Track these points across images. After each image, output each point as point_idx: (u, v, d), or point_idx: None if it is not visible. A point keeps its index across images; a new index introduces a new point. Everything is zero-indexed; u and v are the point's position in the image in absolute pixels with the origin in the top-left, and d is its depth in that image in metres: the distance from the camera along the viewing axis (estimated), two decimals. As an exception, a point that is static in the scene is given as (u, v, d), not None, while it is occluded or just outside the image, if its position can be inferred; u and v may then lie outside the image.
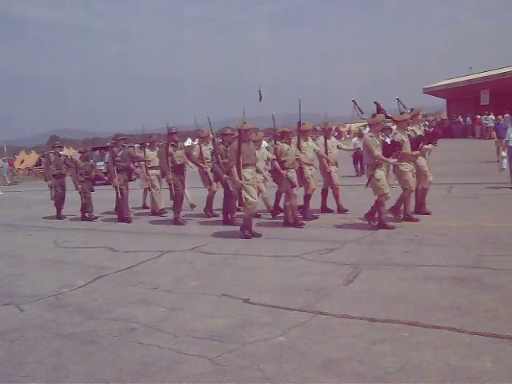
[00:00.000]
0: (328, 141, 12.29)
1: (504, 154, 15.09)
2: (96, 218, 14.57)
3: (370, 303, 5.83)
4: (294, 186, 10.86)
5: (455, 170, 18.24)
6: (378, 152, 9.82)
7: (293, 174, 10.95)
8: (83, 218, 14.56)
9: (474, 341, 4.60)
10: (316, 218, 11.66)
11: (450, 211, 11.10)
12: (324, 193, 12.46)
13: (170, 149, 12.27)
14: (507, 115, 22.57)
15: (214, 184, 12.77)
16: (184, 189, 12.78)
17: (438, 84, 52.85)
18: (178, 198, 12.38)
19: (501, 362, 4.15)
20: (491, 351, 4.36)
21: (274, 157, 10.92)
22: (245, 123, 10.13)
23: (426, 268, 7.10)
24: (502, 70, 44.39)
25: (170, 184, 12.26)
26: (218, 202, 12.81)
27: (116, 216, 14.05)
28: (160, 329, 5.51)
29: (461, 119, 46.74)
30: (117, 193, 13.40)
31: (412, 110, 10.98)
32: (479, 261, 7.26)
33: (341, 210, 12.20)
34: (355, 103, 11.83)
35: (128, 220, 13.49)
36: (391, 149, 10.10)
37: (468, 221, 10.05)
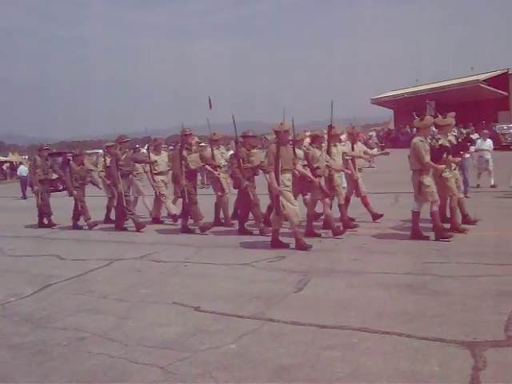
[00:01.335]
0: (355, 146, 11.55)
1: None
2: (96, 224, 13.58)
3: (320, 310, 5.88)
4: (327, 195, 10.13)
5: (402, 179, 18.56)
6: (428, 158, 9.19)
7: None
8: (75, 227, 13.56)
9: (422, 345, 4.70)
10: (356, 226, 10.92)
11: (397, 219, 11.30)
12: (346, 201, 11.41)
13: (184, 152, 11.46)
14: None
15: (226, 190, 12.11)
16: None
17: (385, 95, 53.92)
18: (192, 206, 11.46)
19: (447, 366, 4.26)
20: (438, 355, 4.47)
21: (305, 163, 10.16)
22: (282, 124, 9.30)
23: (375, 275, 7.23)
24: (446, 83, 45.68)
25: (183, 191, 11.42)
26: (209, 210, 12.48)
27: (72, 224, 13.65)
28: (110, 338, 5.45)
29: (408, 129, 47.71)
30: (121, 200, 12.46)
31: (444, 116, 10.16)
32: (426, 268, 7.43)
33: (376, 217, 11.42)
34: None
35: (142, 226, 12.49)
36: (440, 154, 9.53)
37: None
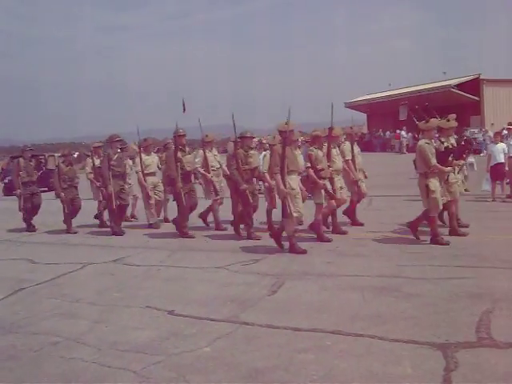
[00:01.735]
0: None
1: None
2: (76, 232, 12.99)
3: (293, 313, 5.90)
4: (333, 197, 9.93)
5: (375, 183, 18.72)
6: (435, 160, 9.05)
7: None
8: (69, 231, 12.97)
9: (395, 347, 4.75)
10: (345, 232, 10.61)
11: (371, 223, 11.37)
12: (352, 204, 11.36)
13: (179, 154, 11.12)
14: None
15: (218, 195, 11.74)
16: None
17: (359, 99, 54.30)
18: (184, 209, 11.15)
19: (420, 367, 4.30)
20: (411, 357, 4.51)
21: (309, 164, 9.83)
22: (286, 123, 9.02)
23: (348, 278, 7.27)
24: (419, 87, 46.21)
25: (179, 193, 11.00)
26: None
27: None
28: (83, 342, 5.40)
29: (381, 133, 48.16)
30: (111, 201, 11.93)
31: (448, 119, 9.92)
32: (399, 270, 7.50)
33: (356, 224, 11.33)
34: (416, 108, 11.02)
35: (121, 233, 12.16)
36: (446, 156, 9.38)
37: (387, 232, 10.35)
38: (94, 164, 13.51)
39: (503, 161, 14.64)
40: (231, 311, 6.08)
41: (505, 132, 16.45)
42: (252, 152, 10.89)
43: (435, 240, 9.11)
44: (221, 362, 4.68)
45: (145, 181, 12.89)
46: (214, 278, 7.73)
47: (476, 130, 37.30)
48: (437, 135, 9.90)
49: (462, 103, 41.94)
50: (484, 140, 35.14)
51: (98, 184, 13.28)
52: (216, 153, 12.31)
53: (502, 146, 14.85)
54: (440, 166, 9.10)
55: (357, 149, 11.49)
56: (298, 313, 5.89)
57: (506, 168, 14.76)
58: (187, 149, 11.55)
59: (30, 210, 13.63)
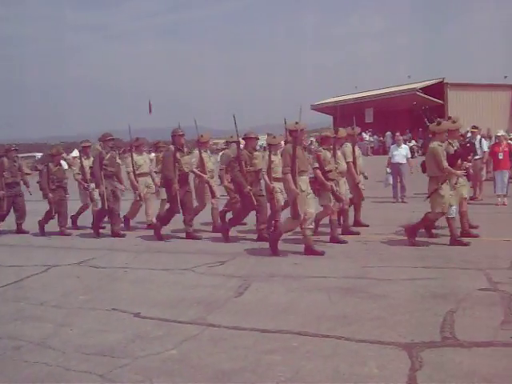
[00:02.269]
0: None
1: (388, 170, 15.88)
2: (70, 233, 12.52)
3: (260, 314, 5.90)
4: (340, 200, 9.74)
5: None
6: (446, 163, 8.92)
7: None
8: (42, 233, 12.58)
9: (361, 348, 4.78)
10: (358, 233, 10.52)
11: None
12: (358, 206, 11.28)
13: (177, 154, 10.69)
14: (389, 133, 23.68)
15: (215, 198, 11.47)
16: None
17: (325, 101, 54.56)
18: (173, 213, 10.82)
19: (386, 367, 4.34)
20: (377, 357, 4.55)
21: (317, 165, 9.54)
22: (297, 123, 8.84)
23: (315, 279, 7.30)
24: (384, 90, 46.68)
25: (176, 195, 10.57)
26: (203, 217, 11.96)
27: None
28: (48, 346, 5.31)
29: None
30: (103, 202, 11.55)
31: (439, 122, 9.58)
32: (365, 272, 7.56)
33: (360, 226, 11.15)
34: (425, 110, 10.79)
35: (120, 234, 11.74)
36: (455, 159, 9.28)
37: (354, 233, 10.43)
38: (82, 164, 13.03)
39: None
40: (197, 313, 6.05)
41: (469, 135, 16.68)
42: (257, 153, 10.62)
43: (455, 241, 9.02)
44: (187, 364, 4.65)
45: (137, 181, 12.51)
46: (180, 280, 7.69)
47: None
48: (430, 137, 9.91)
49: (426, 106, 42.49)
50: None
51: (85, 185, 12.82)
52: (210, 154, 12.09)
53: None
54: (452, 170, 9.01)
55: (358, 150, 11.39)
56: (264, 314, 5.89)
57: (471, 171, 14.97)
58: (185, 149, 11.33)
59: (7, 211, 12.97)
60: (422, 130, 38.27)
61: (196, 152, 11.72)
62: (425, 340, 4.88)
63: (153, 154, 13.61)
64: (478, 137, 16.41)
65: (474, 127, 16.67)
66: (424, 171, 9.53)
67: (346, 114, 52.44)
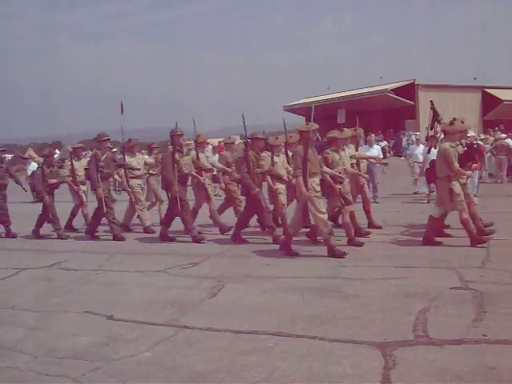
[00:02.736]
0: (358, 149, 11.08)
1: None
2: (68, 236, 11.93)
3: (234, 315, 5.90)
4: (349, 203, 9.50)
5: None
6: (457, 164, 8.82)
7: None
8: (37, 236, 12.07)
9: (335, 347, 4.80)
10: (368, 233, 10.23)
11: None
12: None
13: (176, 155, 10.41)
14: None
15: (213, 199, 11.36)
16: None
17: (297, 102, 54.71)
18: (185, 214, 10.52)
19: (359, 366, 4.37)
20: (350, 356, 4.57)
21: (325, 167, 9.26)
22: (307, 124, 8.74)
23: (288, 280, 7.33)
24: (356, 91, 47.02)
25: (176, 197, 10.31)
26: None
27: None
28: (19, 350, 5.22)
29: (318, 136, 48.69)
30: (101, 205, 11.14)
31: (451, 122, 9.38)
32: (337, 271, 7.61)
33: (374, 227, 10.86)
34: (432, 104, 10.73)
35: (121, 238, 11.21)
36: (466, 159, 9.21)
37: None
38: (72, 166, 12.66)
39: None
40: (171, 315, 6.03)
41: (439, 136, 16.84)
42: (264, 155, 10.36)
43: (475, 240, 8.89)
44: (161, 366, 4.63)
45: (129, 184, 12.09)
46: (153, 281, 7.66)
47: (411, 133, 38.19)
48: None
49: (398, 107, 42.88)
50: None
51: (76, 188, 12.55)
52: (210, 154, 11.89)
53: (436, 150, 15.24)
54: (462, 171, 8.95)
55: (359, 151, 11.35)
56: (238, 315, 5.89)
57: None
58: (184, 150, 11.14)
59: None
60: (394, 131, 38.65)
61: (192, 152, 11.51)
62: (398, 338, 4.92)
63: (146, 156, 13.28)
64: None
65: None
66: (430, 176, 9.69)
67: (318, 115, 52.82)
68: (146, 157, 13.23)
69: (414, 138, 33.85)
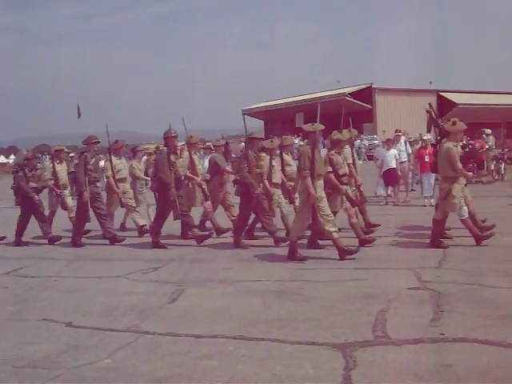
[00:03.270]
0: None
1: None
2: (59, 238, 11.36)
3: (195, 320, 5.89)
4: (355, 204, 9.53)
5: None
6: (460, 165, 8.73)
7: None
8: (17, 243, 11.30)
9: (296, 350, 4.83)
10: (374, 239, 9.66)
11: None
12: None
13: (172, 157, 10.14)
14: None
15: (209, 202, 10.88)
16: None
17: (256, 106, 54.92)
18: (184, 217, 10.22)
19: (321, 367, 4.41)
20: (311, 358, 4.61)
21: (330, 169, 9.20)
22: (313, 125, 8.64)
23: (248, 283, 7.34)
24: (315, 95, 47.46)
25: (174, 200, 9.95)
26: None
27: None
28: (-26, 360, 5.13)
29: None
30: (85, 209, 10.63)
31: (454, 122, 9.20)
32: (297, 274, 7.66)
33: (371, 226, 10.70)
34: (431, 107, 10.56)
35: (118, 240, 10.82)
36: (467, 160, 9.17)
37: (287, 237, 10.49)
38: (54, 169, 12.18)
39: (395, 166, 15.26)
40: (131, 321, 5.97)
41: (393, 138, 17.07)
42: (263, 155, 10.19)
43: (479, 237, 8.95)
44: (122, 372, 4.59)
45: (117, 187, 11.64)
46: (113, 287, 7.58)
47: (368, 137, 38.69)
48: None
49: (355, 111, 43.39)
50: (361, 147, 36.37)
51: (58, 192, 12.05)
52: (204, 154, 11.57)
53: (393, 152, 15.49)
54: (464, 171, 8.96)
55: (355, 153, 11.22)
56: (199, 320, 5.88)
57: (399, 173, 15.41)
58: (179, 152, 10.91)
59: None
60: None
61: (186, 154, 11.25)
62: (358, 339, 4.98)
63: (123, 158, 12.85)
64: (403, 140, 16.84)
65: (398, 130, 17.16)
66: (434, 171, 9.66)
67: (276, 118, 53.05)
68: (145, 158, 12.82)
69: (377, 141, 34.29)
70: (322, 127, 8.97)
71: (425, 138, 15.67)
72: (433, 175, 14.91)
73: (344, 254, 8.45)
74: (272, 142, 10.34)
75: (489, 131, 23.61)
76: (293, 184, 9.89)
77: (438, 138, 9.95)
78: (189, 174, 10.84)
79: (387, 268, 7.81)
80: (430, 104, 10.95)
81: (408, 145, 16.87)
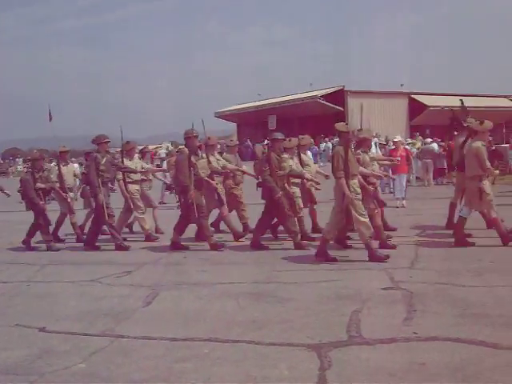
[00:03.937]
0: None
1: None
2: (58, 249, 10.98)
3: (170, 323, 5.88)
4: (382, 204, 9.44)
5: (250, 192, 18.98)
6: (489, 163, 8.76)
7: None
8: (28, 247, 11.13)
9: (271, 351, 4.85)
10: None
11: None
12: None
13: (192, 158, 9.89)
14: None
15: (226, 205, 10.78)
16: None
17: (229, 108, 54.90)
18: (202, 220, 10.00)
19: (296, 368, 4.43)
20: (287, 359, 4.63)
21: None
22: (347, 124, 8.52)
23: (223, 286, 7.34)
24: (288, 98, 47.62)
25: (193, 203, 9.70)
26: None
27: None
28: None
29: (249, 142, 48.90)
30: (102, 212, 10.35)
31: (481, 121, 9.20)
32: (273, 276, 7.68)
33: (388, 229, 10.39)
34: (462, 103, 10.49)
35: (125, 247, 10.51)
36: (493, 158, 9.08)
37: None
38: (60, 171, 11.91)
39: None
40: (106, 325, 5.94)
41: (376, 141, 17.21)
42: (285, 156, 10.02)
43: (506, 239, 8.85)
44: (97, 377, 4.56)
45: (127, 190, 11.36)
46: (86, 291, 7.52)
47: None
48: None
49: (328, 113, 43.60)
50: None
51: (64, 195, 11.73)
52: (219, 157, 11.18)
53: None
54: (493, 170, 8.99)
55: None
56: (174, 323, 5.87)
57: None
58: (199, 153, 10.61)
59: None
60: (324, 137, 39.16)
61: (203, 155, 10.87)
62: (332, 340, 5.02)
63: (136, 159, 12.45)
64: (373, 143, 16.95)
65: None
66: (460, 170, 9.57)
67: (249, 121, 53.12)
68: (144, 162, 12.57)
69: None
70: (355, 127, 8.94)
71: (395, 139, 15.85)
72: (404, 176, 15.09)
73: (374, 256, 8.23)
74: (290, 141, 10.25)
75: None
76: (315, 184, 10.09)
77: (457, 137, 9.95)
78: (206, 178, 10.47)
79: (360, 269, 7.87)
80: (461, 100, 10.86)
81: (378, 147, 16.99)
